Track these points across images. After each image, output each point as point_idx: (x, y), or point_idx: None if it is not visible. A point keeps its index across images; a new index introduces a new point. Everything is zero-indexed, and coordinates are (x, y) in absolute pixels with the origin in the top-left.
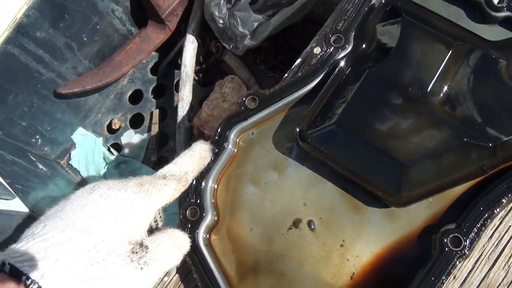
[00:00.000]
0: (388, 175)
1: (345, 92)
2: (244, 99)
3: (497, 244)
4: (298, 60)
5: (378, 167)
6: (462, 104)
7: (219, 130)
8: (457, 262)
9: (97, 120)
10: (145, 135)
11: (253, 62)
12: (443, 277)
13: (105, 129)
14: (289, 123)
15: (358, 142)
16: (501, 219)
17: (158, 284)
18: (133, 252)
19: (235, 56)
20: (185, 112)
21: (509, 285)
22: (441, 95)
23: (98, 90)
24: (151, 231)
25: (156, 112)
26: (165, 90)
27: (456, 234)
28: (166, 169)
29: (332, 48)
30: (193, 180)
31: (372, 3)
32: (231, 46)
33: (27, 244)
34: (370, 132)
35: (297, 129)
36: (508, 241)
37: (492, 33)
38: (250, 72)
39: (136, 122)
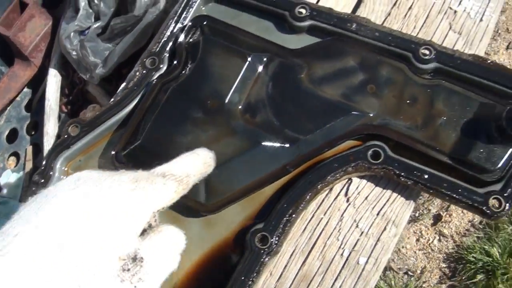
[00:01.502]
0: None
1: (155, 110)
2: (67, 127)
3: (310, 237)
4: (123, 85)
5: None
6: (262, 110)
7: (44, 161)
8: (266, 259)
9: None
10: (21, 173)
11: (115, 89)
12: (253, 276)
13: None
14: (113, 146)
15: (163, 157)
16: (313, 213)
17: None
18: (124, 270)
19: (97, 85)
20: (50, 146)
21: (325, 273)
22: (241, 105)
23: None
24: (143, 232)
25: (29, 149)
26: (38, 126)
27: (263, 233)
28: (165, 167)
29: (148, 70)
30: None
31: (184, 24)
32: (87, 76)
33: None
34: (172, 146)
35: (113, 152)
36: (321, 233)
37: (300, 41)
38: None
39: (13, 161)
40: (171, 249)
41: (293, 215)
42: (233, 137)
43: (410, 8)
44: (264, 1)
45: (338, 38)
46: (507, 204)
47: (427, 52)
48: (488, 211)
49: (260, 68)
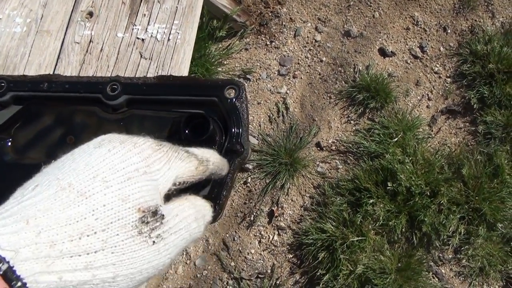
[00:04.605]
0: None
1: None
2: None
3: None
4: None
5: None
6: None
7: None
8: None
9: None
10: None
11: None
12: None
13: None
14: None
15: None
16: None
17: None
18: (143, 222)
19: None
20: None
21: None
22: None
23: None
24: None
25: None
26: None
27: None
28: (187, 148)
29: None
30: None
31: None
32: None
33: (10, 210)
34: None
35: None
36: None
37: (6, 115)
38: None
39: None
40: (196, 215)
41: None
42: None
43: (101, 50)
44: None
45: (33, 101)
46: (216, 206)
47: (115, 87)
48: None
49: None
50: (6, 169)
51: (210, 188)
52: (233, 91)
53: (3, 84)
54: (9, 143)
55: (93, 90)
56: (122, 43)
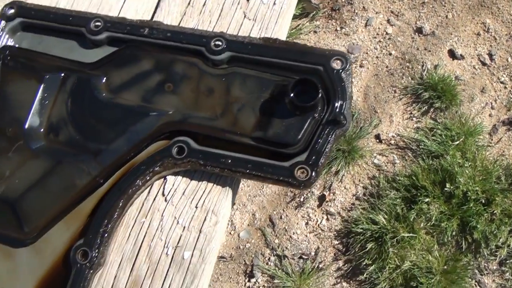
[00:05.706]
0: (5, 218)
1: None
2: None
3: (135, 243)
4: None
5: None
6: (64, 128)
7: None
8: (89, 274)
9: None
10: None
11: None
12: None
13: None
14: None
15: None
16: (134, 218)
17: None
18: None
19: None
20: None
21: (153, 275)
22: (44, 126)
23: None
24: None
25: None
26: None
27: (83, 248)
28: None
29: None
30: None
31: None
32: None
33: None
34: None
35: None
36: (145, 237)
37: (102, 54)
38: None
39: None
40: None
41: (109, 225)
42: (38, 159)
43: (204, 4)
44: (60, 22)
45: (131, 44)
46: (313, 172)
47: (219, 43)
48: (295, 182)
49: (58, 87)
50: (99, 105)
51: (308, 155)
52: (340, 62)
53: (99, 23)
54: (104, 80)
55: (196, 42)
56: (227, 0)
